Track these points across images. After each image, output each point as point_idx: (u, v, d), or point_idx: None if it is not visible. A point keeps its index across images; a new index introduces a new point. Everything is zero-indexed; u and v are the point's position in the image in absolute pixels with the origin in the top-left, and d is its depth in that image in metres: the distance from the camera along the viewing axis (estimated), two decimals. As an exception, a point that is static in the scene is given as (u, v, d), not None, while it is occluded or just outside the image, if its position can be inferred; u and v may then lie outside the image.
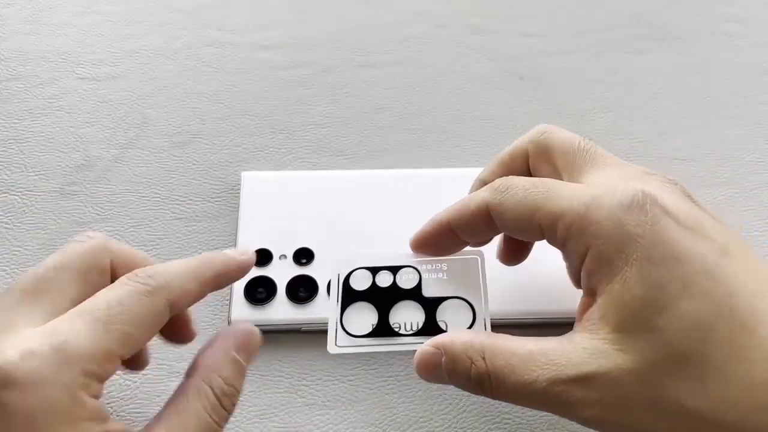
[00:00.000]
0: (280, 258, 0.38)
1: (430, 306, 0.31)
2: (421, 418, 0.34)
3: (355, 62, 0.50)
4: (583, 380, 0.24)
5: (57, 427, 0.22)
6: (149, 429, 0.24)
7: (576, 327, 0.26)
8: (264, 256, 0.37)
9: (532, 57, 0.50)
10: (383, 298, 0.31)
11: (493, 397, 0.26)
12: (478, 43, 0.51)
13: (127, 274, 0.26)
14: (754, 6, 0.54)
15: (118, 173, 0.43)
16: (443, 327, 0.30)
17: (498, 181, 0.29)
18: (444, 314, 0.30)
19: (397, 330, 0.30)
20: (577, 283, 0.28)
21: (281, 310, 0.36)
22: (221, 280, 0.28)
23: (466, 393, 0.34)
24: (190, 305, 0.27)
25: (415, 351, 0.28)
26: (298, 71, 0.49)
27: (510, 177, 0.29)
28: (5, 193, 0.42)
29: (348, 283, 0.32)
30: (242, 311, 0.36)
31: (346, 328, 0.31)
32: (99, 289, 0.26)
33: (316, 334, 0.36)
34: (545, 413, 0.34)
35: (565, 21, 0.53)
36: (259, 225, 0.39)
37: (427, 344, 0.28)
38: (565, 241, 0.27)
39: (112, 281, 0.26)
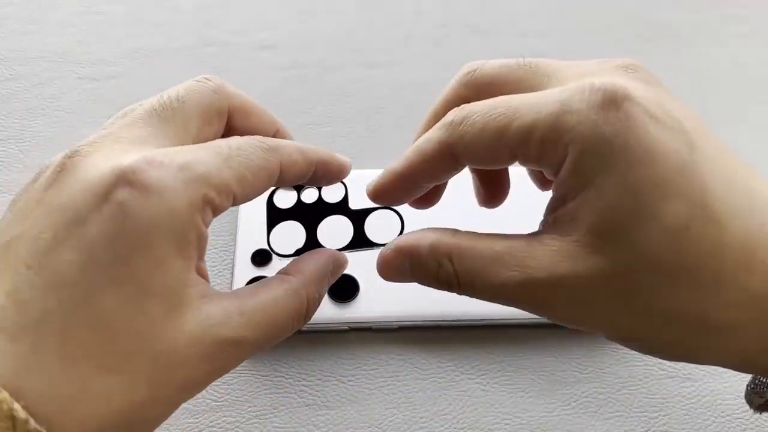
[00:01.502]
0: (280, 258, 0.38)
1: (358, 218, 0.30)
2: (422, 418, 0.34)
3: (355, 62, 0.49)
4: (554, 283, 0.23)
5: (168, 243, 0.21)
6: (241, 298, 0.24)
7: (543, 226, 0.25)
8: (264, 256, 0.37)
9: (532, 57, 0.50)
10: (310, 214, 0.30)
11: (463, 295, 0.25)
12: (478, 43, 0.51)
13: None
14: (755, 6, 0.54)
15: (118, 173, 0.43)
16: (373, 240, 0.29)
17: (451, 114, 0.26)
18: (373, 225, 0.29)
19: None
20: (542, 185, 0.28)
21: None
22: (325, 168, 0.28)
23: (467, 393, 0.35)
24: (295, 178, 0.26)
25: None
26: (298, 71, 0.49)
27: (463, 106, 0.26)
28: (5, 193, 0.42)
29: (272, 201, 0.31)
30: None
31: (274, 248, 0.30)
32: (218, 133, 0.26)
33: (316, 334, 0.36)
34: (546, 414, 0.34)
35: (566, 21, 0.53)
36: (258, 224, 0.39)
37: (389, 247, 0.26)
38: (540, 158, 0.24)
39: (227, 128, 0.26)
